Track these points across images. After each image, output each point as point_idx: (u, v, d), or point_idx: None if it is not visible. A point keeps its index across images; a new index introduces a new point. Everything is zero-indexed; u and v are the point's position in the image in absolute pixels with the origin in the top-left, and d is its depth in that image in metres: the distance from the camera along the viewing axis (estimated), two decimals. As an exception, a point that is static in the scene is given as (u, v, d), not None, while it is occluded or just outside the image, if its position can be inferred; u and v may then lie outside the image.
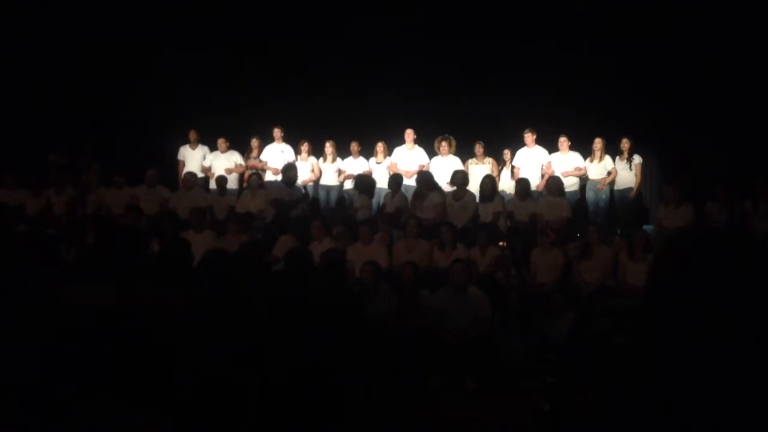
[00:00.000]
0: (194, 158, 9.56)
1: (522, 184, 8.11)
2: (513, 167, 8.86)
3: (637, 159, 8.55)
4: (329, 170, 9.28)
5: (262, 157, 9.49)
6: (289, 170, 8.39)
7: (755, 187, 7.45)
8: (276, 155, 9.37)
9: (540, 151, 8.76)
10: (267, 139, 9.56)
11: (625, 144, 8.55)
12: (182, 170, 9.48)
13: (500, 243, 7.20)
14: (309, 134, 9.39)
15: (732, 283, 1.06)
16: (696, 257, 1.10)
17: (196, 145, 9.62)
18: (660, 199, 8.44)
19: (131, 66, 9.79)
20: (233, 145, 9.58)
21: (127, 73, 9.76)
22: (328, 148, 9.26)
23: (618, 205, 8.60)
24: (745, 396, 1.00)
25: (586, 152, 8.66)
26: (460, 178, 7.96)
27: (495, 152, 9.16)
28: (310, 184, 9.21)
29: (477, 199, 7.98)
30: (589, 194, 8.62)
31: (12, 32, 9.64)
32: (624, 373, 1.10)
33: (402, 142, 9.11)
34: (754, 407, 0.99)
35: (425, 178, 8.09)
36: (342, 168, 9.32)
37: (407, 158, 8.99)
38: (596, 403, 1.12)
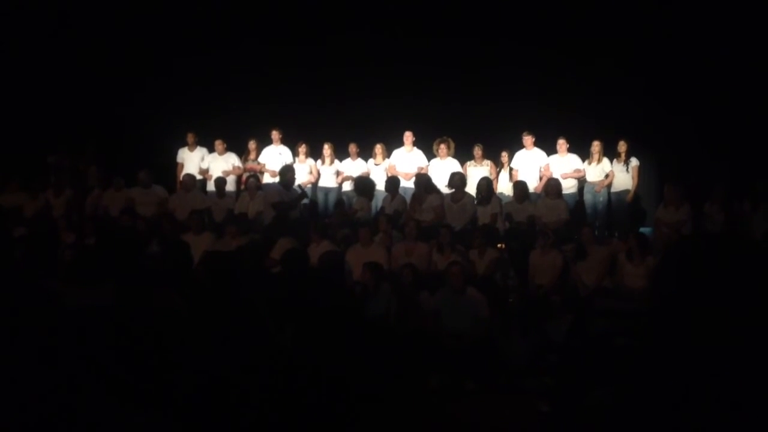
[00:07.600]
0: (193, 160, 9.54)
1: (519, 186, 8.12)
2: (511, 169, 8.87)
3: (634, 161, 8.57)
4: (327, 172, 9.27)
5: (260, 159, 9.47)
6: (287, 172, 8.37)
7: (757, 190, 7.43)
8: (274, 157, 9.35)
9: (538, 154, 8.77)
10: (265, 141, 9.54)
11: (621, 146, 8.56)
12: (181, 172, 9.47)
13: (499, 245, 7.20)
14: (307, 136, 9.38)
15: (735, 287, 1.06)
16: (700, 262, 1.11)
17: (195, 147, 9.61)
18: (657, 201, 8.45)
19: (131, 68, 9.79)
20: (231, 147, 9.55)
21: (127, 76, 9.76)
22: (326, 149, 9.25)
23: (615, 208, 8.61)
24: (749, 396, 1.00)
25: (585, 155, 8.67)
26: (458, 180, 7.96)
27: (493, 154, 9.16)
28: (309, 186, 9.20)
29: (475, 201, 7.99)
30: (587, 196, 8.63)
31: (14, 34, 9.63)
32: (629, 376, 1.11)
33: (401, 144, 9.11)
34: (757, 407, 1.00)
35: (423, 180, 8.10)
36: (340, 170, 9.31)
37: (406, 160, 8.99)
38: (602, 405, 1.12)
